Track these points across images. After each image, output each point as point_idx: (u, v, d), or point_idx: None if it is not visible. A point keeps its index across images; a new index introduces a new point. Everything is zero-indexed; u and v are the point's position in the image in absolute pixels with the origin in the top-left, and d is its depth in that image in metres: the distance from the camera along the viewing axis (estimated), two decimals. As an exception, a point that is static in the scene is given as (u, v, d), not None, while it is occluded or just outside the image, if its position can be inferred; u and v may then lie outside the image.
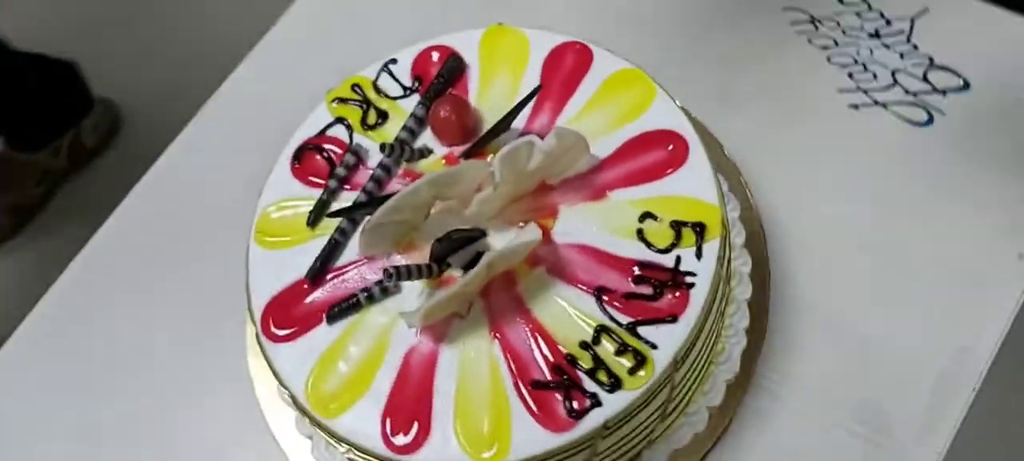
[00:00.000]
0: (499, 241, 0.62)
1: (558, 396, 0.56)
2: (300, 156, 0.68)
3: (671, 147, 0.63)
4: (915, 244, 0.74)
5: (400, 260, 0.62)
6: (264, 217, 0.66)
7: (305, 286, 0.63)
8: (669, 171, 0.62)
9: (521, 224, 0.62)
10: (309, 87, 0.71)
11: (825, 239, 0.75)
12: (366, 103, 0.69)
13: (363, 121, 0.68)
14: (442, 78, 0.68)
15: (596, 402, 0.55)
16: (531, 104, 0.65)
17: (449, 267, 0.61)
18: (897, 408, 0.67)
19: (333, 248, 0.63)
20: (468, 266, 0.59)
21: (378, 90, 0.70)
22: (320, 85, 0.71)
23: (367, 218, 0.60)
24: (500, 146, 0.60)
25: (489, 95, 0.68)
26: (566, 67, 0.68)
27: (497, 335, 0.59)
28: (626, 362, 0.56)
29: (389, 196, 0.61)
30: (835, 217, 0.76)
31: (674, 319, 0.57)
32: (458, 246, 0.61)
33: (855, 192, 0.77)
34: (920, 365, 0.69)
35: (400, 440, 0.56)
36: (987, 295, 0.71)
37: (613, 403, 0.55)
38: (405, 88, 0.70)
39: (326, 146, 0.68)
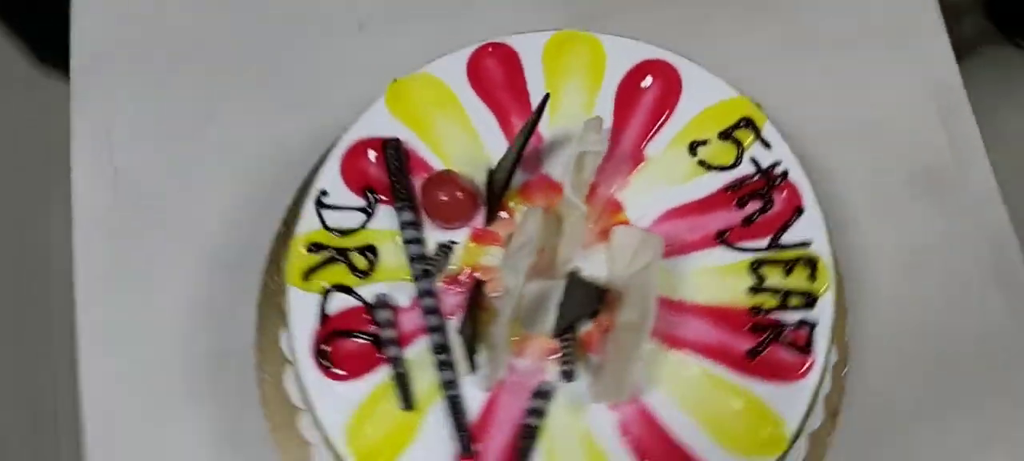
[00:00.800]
0: (597, 266, 0.56)
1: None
2: (329, 354, 0.54)
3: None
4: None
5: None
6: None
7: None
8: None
9: (600, 237, 0.57)
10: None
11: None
12: (340, 253, 0.56)
13: (355, 271, 0.56)
14: (397, 172, 0.58)
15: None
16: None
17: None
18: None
19: (456, 407, 0.53)
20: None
21: (340, 232, 0.57)
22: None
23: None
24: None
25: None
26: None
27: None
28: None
29: (472, 313, 0.52)
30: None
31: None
32: (584, 305, 0.54)
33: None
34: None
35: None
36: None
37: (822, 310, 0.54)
38: (364, 208, 0.58)
39: (350, 329, 0.55)
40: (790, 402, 0.52)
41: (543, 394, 0.53)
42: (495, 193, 0.56)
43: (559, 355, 0.53)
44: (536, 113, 0.56)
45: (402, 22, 0.76)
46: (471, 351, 0.52)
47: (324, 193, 0.58)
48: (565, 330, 0.53)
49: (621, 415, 0.53)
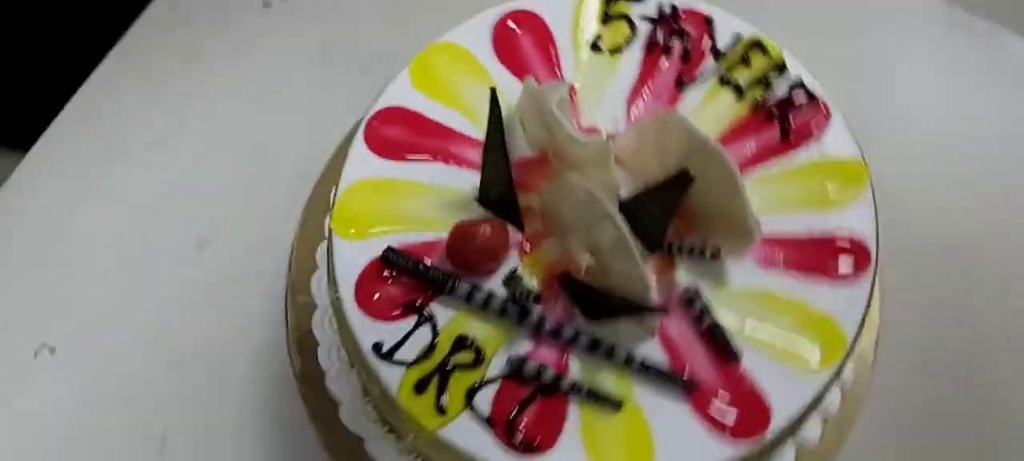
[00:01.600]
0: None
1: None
2: (518, 427, 0.49)
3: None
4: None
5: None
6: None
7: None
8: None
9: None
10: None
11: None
12: (445, 372, 0.51)
13: (474, 368, 0.51)
14: (416, 268, 0.54)
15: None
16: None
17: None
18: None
19: (652, 369, 0.51)
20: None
21: (421, 358, 0.52)
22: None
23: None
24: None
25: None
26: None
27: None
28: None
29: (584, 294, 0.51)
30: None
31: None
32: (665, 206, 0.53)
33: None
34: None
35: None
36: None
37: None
38: (417, 324, 0.53)
39: (522, 402, 0.50)
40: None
41: (692, 298, 0.53)
42: (507, 205, 0.54)
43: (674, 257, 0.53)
44: (491, 113, 0.54)
45: None
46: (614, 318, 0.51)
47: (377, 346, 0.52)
48: (660, 237, 0.53)
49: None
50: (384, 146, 0.57)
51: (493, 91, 0.54)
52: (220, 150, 0.79)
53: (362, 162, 0.57)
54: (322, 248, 0.64)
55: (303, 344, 0.62)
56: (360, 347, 0.52)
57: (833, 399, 0.59)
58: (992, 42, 0.82)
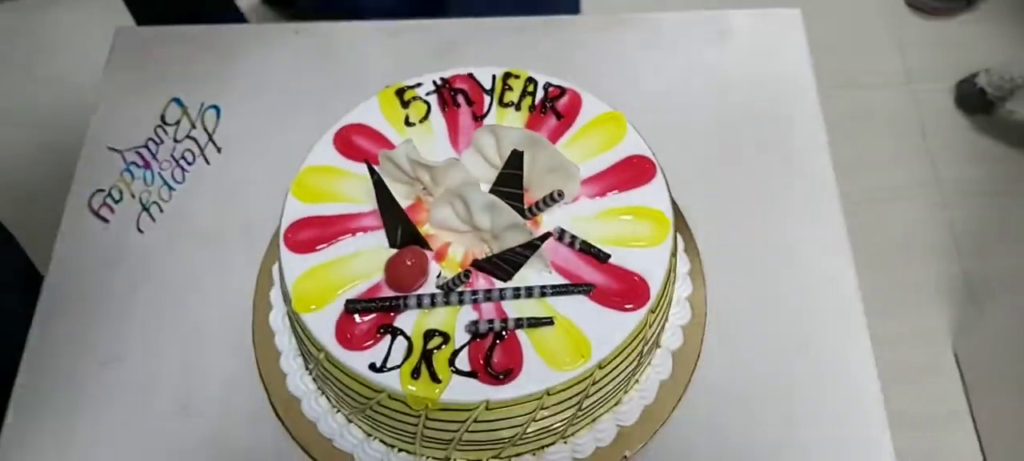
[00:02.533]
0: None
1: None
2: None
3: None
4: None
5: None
6: None
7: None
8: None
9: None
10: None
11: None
12: (425, 354, 0.69)
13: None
14: (382, 304, 0.71)
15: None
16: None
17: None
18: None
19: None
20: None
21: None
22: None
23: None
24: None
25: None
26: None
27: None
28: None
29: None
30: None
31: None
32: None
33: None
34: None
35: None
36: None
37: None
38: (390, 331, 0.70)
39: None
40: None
41: (562, 233, 0.74)
42: (413, 237, 0.73)
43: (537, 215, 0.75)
44: (374, 179, 0.73)
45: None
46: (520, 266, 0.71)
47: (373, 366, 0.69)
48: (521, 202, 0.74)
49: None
50: (304, 246, 0.74)
51: (369, 165, 0.73)
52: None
53: (296, 261, 0.73)
54: (283, 337, 0.80)
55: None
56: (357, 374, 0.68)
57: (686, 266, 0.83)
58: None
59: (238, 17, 1.83)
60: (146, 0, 1.64)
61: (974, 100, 1.97)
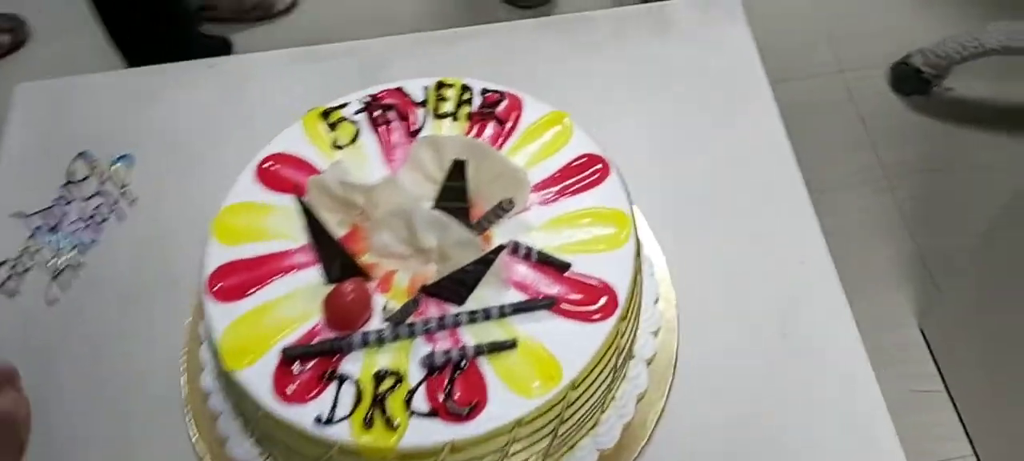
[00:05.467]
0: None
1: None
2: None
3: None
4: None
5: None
6: None
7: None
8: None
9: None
10: None
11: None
12: (376, 399, 0.61)
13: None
14: (326, 348, 0.63)
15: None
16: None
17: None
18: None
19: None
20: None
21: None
22: None
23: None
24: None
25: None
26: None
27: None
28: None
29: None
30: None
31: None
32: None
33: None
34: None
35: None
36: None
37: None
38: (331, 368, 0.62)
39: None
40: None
41: (516, 247, 0.67)
42: (351, 268, 0.66)
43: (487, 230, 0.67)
44: (305, 213, 0.65)
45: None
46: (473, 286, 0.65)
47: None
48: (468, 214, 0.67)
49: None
50: (231, 293, 0.66)
51: (299, 199, 0.66)
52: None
53: (222, 313, 0.65)
54: (218, 397, 0.71)
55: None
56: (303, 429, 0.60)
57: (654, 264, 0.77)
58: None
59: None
60: (137, 42, 1.66)
61: (910, 81, 1.96)
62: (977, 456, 1.50)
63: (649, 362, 0.74)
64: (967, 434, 1.52)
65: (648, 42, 1.01)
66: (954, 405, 1.54)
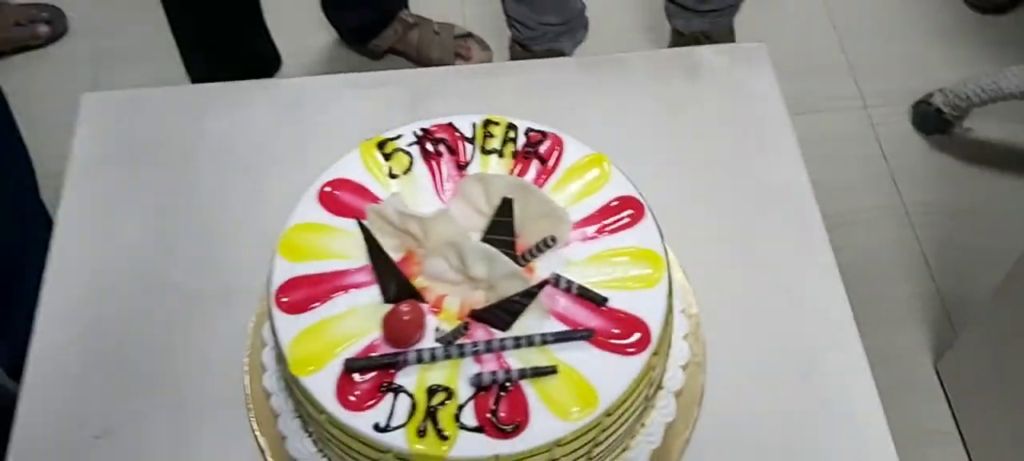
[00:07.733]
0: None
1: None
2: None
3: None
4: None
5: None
6: None
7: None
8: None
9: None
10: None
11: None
12: (429, 412, 0.67)
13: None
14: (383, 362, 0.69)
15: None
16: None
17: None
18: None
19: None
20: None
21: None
22: None
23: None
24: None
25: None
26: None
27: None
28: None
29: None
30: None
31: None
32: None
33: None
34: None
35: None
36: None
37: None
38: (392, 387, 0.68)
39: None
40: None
41: (557, 279, 0.73)
42: (407, 290, 0.72)
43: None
44: (366, 236, 0.72)
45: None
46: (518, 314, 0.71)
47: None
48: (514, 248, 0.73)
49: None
50: (296, 306, 0.72)
51: (362, 223, 0.72)
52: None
53: (289, 324, 0.71)
54: (279, 398, 0.78)
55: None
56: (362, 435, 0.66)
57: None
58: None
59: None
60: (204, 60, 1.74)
61: (931, 121, 2.00)
62: (986, 498, 1.53)
63: (677, 394, 0.79)
64: (976, 475, 1.55)
65: (679, 85, 1.06)
66: (966, 448, 1.58)
